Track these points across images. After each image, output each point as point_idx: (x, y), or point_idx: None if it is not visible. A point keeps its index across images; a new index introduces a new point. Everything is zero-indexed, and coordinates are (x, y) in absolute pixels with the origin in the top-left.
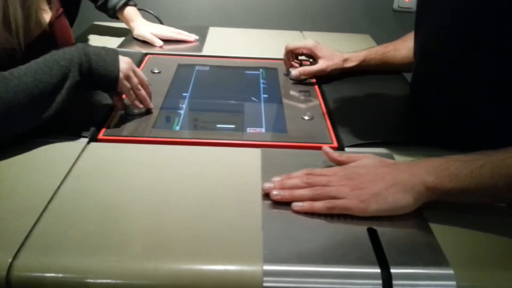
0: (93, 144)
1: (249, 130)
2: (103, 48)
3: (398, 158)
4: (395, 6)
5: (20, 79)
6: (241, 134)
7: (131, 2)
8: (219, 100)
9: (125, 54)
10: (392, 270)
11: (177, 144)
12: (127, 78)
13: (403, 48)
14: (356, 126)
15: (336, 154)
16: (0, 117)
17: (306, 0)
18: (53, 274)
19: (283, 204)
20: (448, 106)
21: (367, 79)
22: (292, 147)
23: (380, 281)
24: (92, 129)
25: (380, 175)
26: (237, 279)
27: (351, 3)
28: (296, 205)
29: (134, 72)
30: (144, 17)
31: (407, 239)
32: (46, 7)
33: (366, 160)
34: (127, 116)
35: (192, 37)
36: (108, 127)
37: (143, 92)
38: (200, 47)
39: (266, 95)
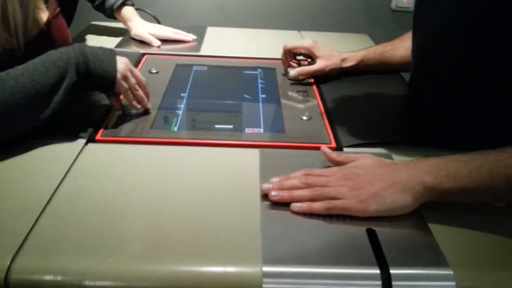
0: (91, 145)
1: (247, 130)
2: (100, 48)
3: (397, 158)
4: (393, 5)
5: (17, 80)
6: (239, 135)
7: (128, 2)
8: (217, 100)
9: (122, 54)
10: (391, 271)
11: (175, 144)
12: (125, 78)
13: (401, 47)
14: (355, 126)
15: (334, 155)
16: None
17: (304, 0)
18: (51, 277)
19: (282, 204)
20: (447, 106)
21: (365, 79)
22: (290, 147)
23: (379, 282)
24: (90, 130)
25: (378, 175)
26: (236, 280)
27: (349, 2)
28: (295, 206)
29: (131, 72)
30: (142, 16)
31: (406, 239)
32: (43, 6)
33: (365, 160)
34: (125, 116)
35: (190, 37)
36: (106, 128)
37: (140, 92)
38: (198, 47)
39: (264, 95)
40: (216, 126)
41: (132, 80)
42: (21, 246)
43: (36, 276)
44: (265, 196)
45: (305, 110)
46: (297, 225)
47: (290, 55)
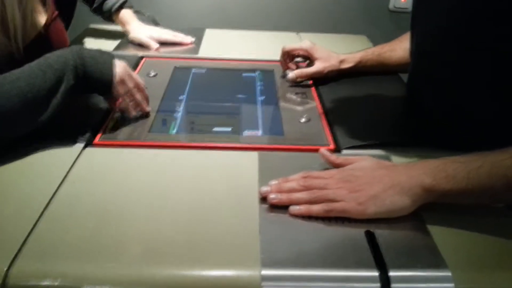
0: (89, 149)
1: (246, 132)
2: (98, 51)
3: (396, 159)
4: (391, 6)
5: (14, 84)
6: (238, 137)
7: (126, 5)
8: (215, 103)
9: (120, 57)
10: (390, 273)
11: (173, 148)
12: (122, 82)
13: (399, 48)
14: (353, 128)
15: (333, 157)
16: None
17: (302, 1)
18: (49, 282)
19: (281, 207)
20: (445, 107)
21: (363, 80)
22: (289, 149)
23: (378, 284)
24: (88, 134)
25: (377, 177)
26: (235, 284)
27: (347, 3)
28: (294, 209)
29: (129, 76)
30: (140, 18)
31: (405, 241)
32: (41, 8)
33: (363, 162)
34: (123, 120)
35: (188, 39)
36: (104, 132)
37: (138, 96)
38: (196, 50)
39: (262, 97)
40: (215, 128)
41: (130, 84)
42: (19, 251)
43: (34, 281)
44: (263, 199)
45: (304, 112)
46: (296, 227)
47: (289, 57)
